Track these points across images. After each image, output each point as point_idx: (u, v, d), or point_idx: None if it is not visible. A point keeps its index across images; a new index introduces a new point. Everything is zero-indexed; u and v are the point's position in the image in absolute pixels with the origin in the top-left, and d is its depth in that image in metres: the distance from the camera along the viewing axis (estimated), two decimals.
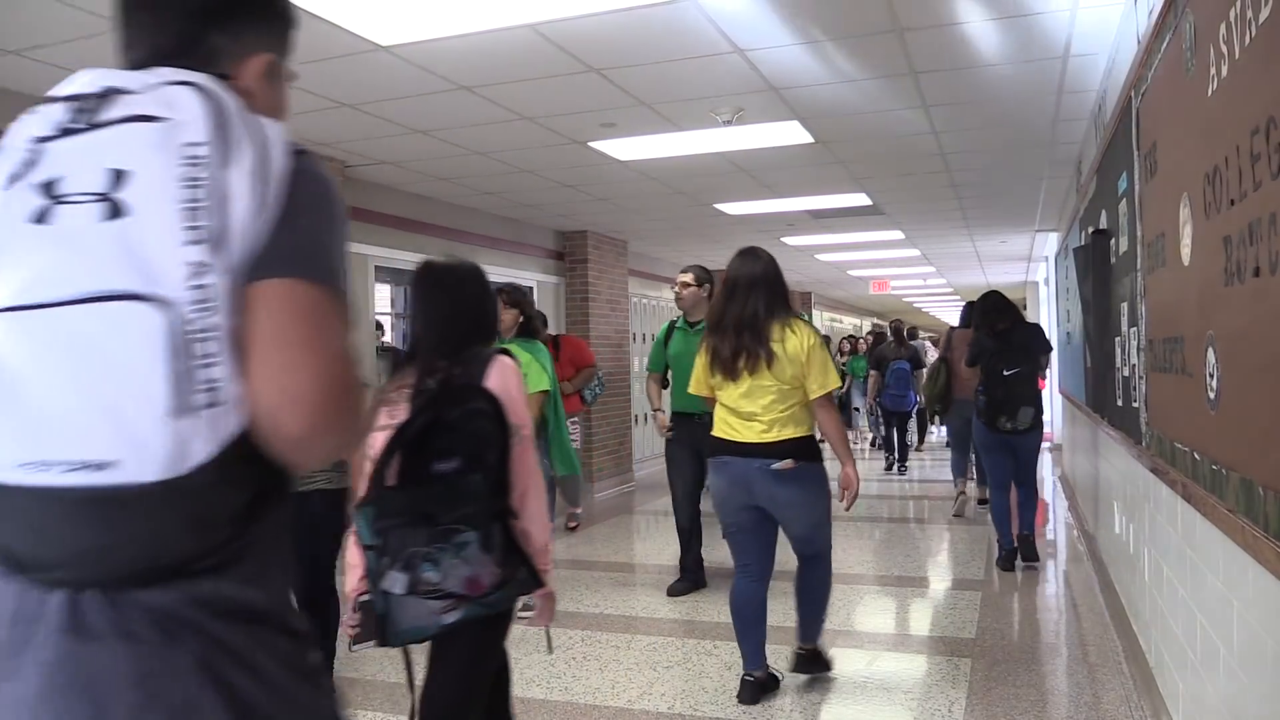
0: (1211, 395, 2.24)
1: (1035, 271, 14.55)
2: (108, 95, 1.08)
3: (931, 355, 10.70)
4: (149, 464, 0.97)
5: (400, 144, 5.73)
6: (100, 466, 0.97)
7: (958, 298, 21.48)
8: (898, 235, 10.59)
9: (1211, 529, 2.31)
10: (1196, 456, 2.45)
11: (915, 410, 11.38)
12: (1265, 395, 1.82)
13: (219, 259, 1.02)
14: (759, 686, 3.72)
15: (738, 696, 3.71)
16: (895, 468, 10.78)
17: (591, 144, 5.86)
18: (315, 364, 1.05)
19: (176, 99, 1.07)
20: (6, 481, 0.98)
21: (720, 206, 8.37)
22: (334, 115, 5.03)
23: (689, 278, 5.44)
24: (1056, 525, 7.62)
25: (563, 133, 5.59)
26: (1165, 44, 2.74)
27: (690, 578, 5.55)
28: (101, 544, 1.00)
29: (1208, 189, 2.21)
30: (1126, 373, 3.81)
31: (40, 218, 1.02)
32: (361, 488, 2.23)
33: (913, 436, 12.30)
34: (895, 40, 4.11)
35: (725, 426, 3.65)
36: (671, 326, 5.65)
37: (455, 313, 2.42)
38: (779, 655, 3.95)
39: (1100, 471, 5.48)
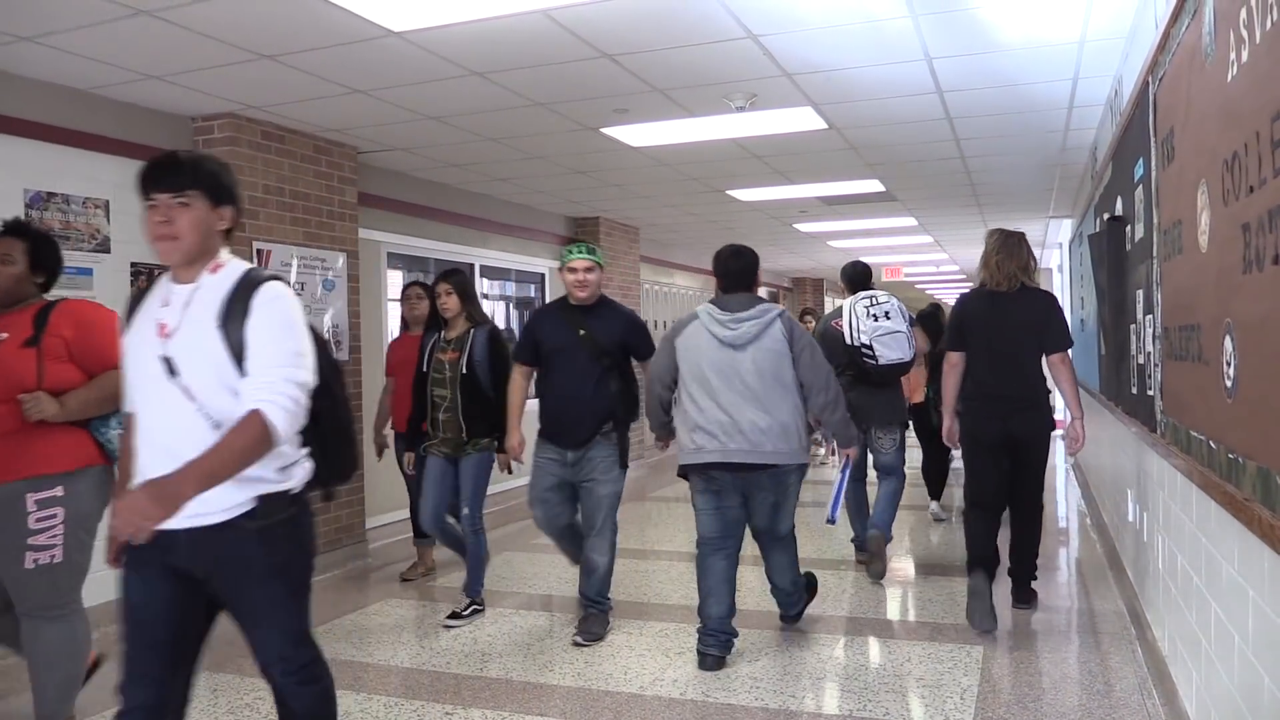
0: (1229, 383, 2.23)
1: (1049, 258, 14.46)
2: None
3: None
4: None
5: (413, 130, 5.73)
6: None
7: (970, 284, 21.36)
8: (910, 222, 10.54)
9: (1227, 517, 2.30)
10: (1212, 444, 2.44)
11: None
12: None
13: None
14: None
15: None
16: None
17: (604, 130, 5.85)
18: None
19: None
20: None
21: (733, 192, 8.35)
22: (346, 101, 5.03)
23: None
24: (1069, 513, 7.60)
25: (575, 119, 5.57)
26: (1184, 28, 2.71)
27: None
28: None
29: (1226, 175, 2.19)
30: (1141, 360, 3.79)
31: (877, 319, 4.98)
32: None
33: None
34: (909, 25, 4.08)
35: None
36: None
37: None
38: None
39: (1114, 459, 5.46)
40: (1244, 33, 2.00)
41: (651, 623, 4.63)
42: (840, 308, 5.27)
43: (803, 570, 4.44)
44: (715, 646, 3.95)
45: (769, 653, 4.15)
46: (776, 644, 4.27)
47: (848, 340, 5.04)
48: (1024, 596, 4.67)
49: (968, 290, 4.69)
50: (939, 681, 3.76)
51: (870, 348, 4.97)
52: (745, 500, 4.01)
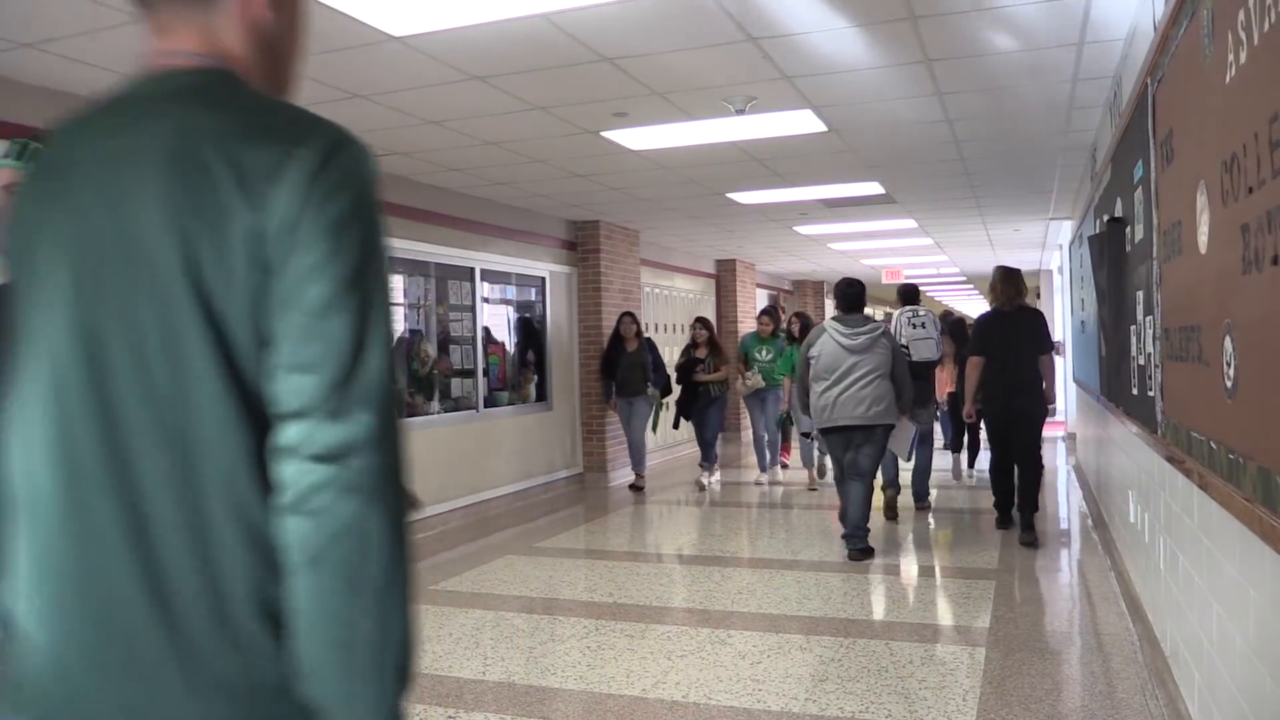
0: (1229, 384, 2.23)
1: (1049, 260, 14.47)
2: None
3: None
4: None
5: (412, 135, 5.73)
6: None
7: (970, 286, 21.39)
8: (910, 224, 10.54)
9: (1228, 518, 2.31)
10: (1213, 445, 2.44)
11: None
12: None
13: None
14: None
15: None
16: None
17: (604, 133, 5.86)
18: None
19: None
20: None
21: (733, 195, 8.36)
22: (346, 106, 5.04)
23: None
24: (1070, 514, 7.60)
25: (575, 122, 5.58)
26: (1182, 30, 2.72)
27: None
28: None
29: (1225, 176, 2.19)
30: (1142, 361, 3.79)
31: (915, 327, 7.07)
32: None
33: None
34: (909, 27, 4.09)
35: None
36: None
37: None
38: None
39: (1115, 460, 5.46)
40: (1242, 34, 2.01)
41: (654, 625, 4.64)
42: (891, 315, 7.12)
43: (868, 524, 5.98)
44: (859, 540, 5.85)
45: (771, 655, 4.16)
46: (778, 646, 4.27)
47: None
48: (1029, 539, 6.16)
49: (986, 311, 6.68)
50: (941, 684, 3.76)
51: (908, 348, 6.78)
52: (856, 448, 5.90)
